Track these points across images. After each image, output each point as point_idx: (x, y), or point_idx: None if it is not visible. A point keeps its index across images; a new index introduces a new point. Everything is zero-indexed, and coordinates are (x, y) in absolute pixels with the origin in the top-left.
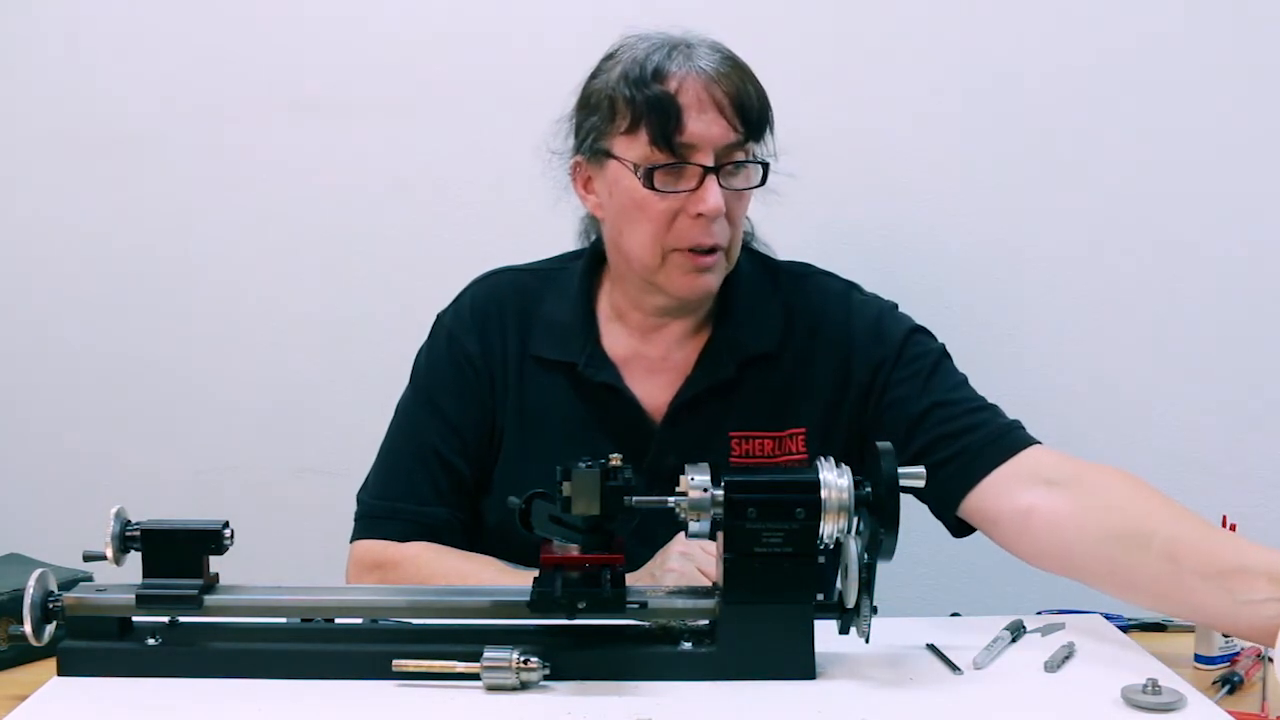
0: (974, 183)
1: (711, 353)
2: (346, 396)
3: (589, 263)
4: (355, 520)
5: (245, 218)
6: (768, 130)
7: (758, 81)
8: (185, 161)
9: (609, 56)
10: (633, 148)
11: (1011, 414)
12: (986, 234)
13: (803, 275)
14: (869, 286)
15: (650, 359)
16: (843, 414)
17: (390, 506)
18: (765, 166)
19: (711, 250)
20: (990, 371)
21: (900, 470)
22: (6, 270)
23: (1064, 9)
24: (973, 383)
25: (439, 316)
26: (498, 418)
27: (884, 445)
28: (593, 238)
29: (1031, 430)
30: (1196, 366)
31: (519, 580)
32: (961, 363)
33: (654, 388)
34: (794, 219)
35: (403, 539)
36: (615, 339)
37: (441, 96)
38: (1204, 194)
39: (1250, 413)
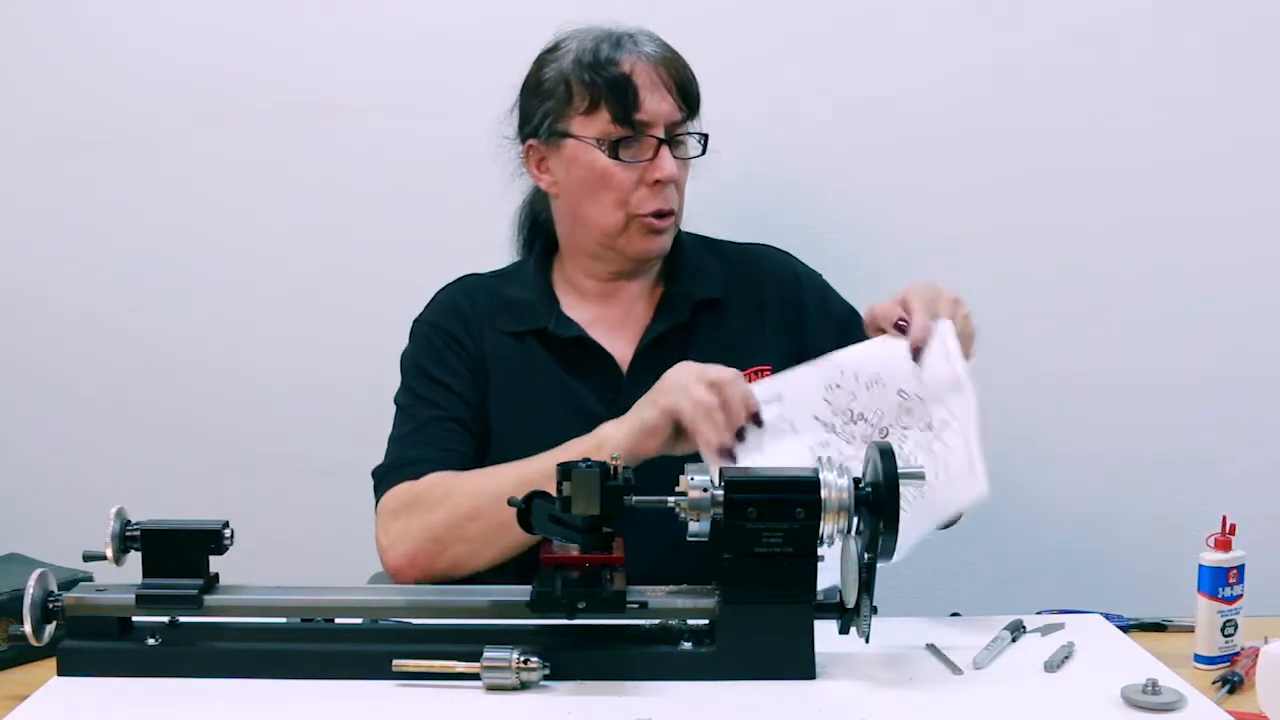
0: (963, 178)
1: (666, 302)
2: (348, 396)
3: (540, 251)
4: (374, 489)
5: (246, 218)
6: (699, 109)
7: (690, 67)
8: (187, 162)
9: (552, 49)
10: (592, 125)
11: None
12: (977, 227)
13: (736, 242)
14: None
15: (611, 319)
16: (804, 350)
17: (403, 457)
18: (705, 138)
19: (667, 214)
20: (987, 368)
21: (900, 470)
22: (6, 270)
23: None
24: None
25: (415, 320)
26: (486, 386)
27: (884, 445)
28: (525, 234)
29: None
30: (1196, 366)
31: (539, 466)
32: None
33: (619, 342)
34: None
35: (420, 477)
36: (576, 309)
37: (445, 97)
38: (1203, 192)
39: (1250, 413)
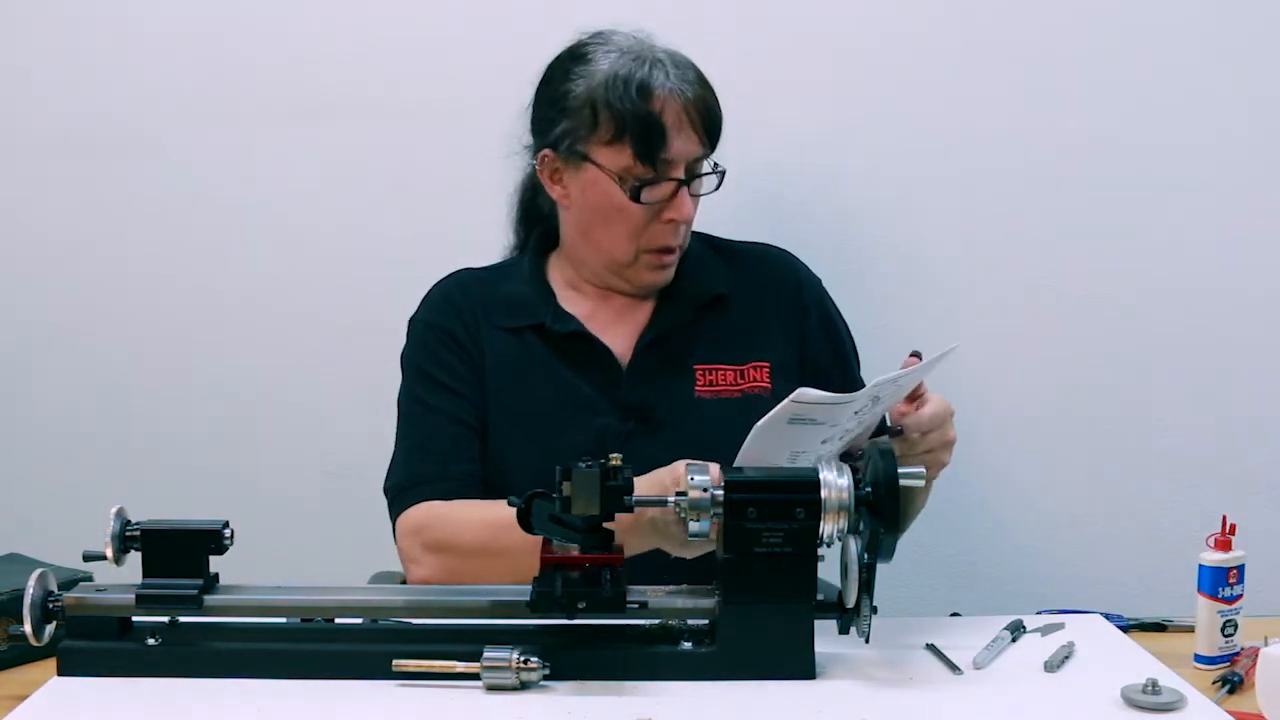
0: (959, 178)
1: (668, 302)
2: (348, 397)
3: (536, 247)
4: (389, 506)
5: (246, 219)
6: (719, 141)
7: (715, 93)
8: (185, 163)
9: (579, 58)
10: (615, 158)
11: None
12: (976, 227)
13: (734, 241)
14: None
15: (609, 313)
16: (802, 358)
17: (417, 474)
18: (722, 174)
19: (675, 249)
20: (988, 369)
21: (900, 470)
22: (7, 270)
23: None
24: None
25: (411, 319)
26: (484, 382)
27: (884, 445)
28: (521, 212)
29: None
30: (1197, 366)
31: None
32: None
33: (616, 337)
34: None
35: (434, 498)
36: (574, 304)
37: (449, 97)
38: (1203, 192)
39: (1250, 413)
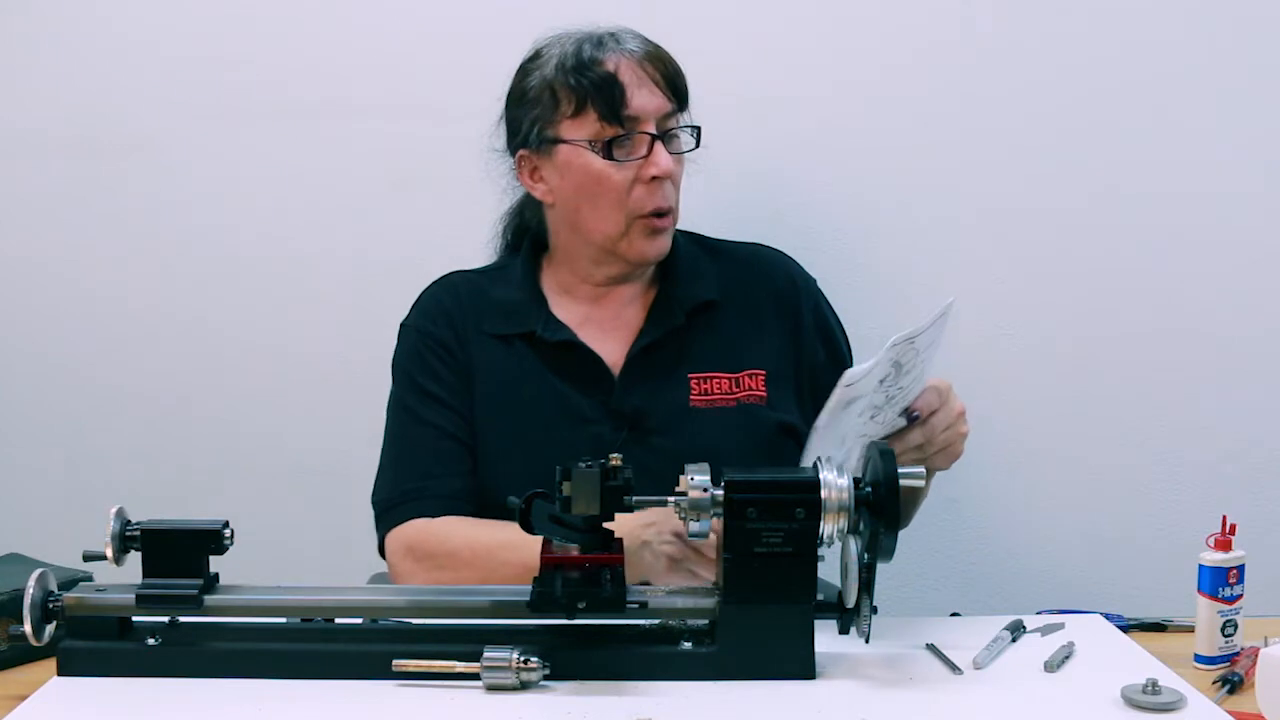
0: (964, 177)
1: (660, 306)
2: (349, 397)
3: (529, 251)
4: (376, 521)
5: (244, 218)
6: (688, 101)
7: (669, 53)
8: (183, 163)
9: (533, 57)
10: (582, 128)
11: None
12: (975, 227)
13: (731, 242)
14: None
15: (602, 320)
16: (799, 362)
17: (406, 490)
18: (698, 130)
19: (666, 213)
20: (989, 368)
21: (900, 470)
22: (6, 271)
23: None
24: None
25: (402, 324)
26: (473, 390)
27: (884, 445)
28: (508, 238)
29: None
30: (1196, 365)
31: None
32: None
33: (609, 344)
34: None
35: (424, 515)
36: (565, 310)
37: (442, 98)
38: (1203, 192)
39: (1250, 413)
